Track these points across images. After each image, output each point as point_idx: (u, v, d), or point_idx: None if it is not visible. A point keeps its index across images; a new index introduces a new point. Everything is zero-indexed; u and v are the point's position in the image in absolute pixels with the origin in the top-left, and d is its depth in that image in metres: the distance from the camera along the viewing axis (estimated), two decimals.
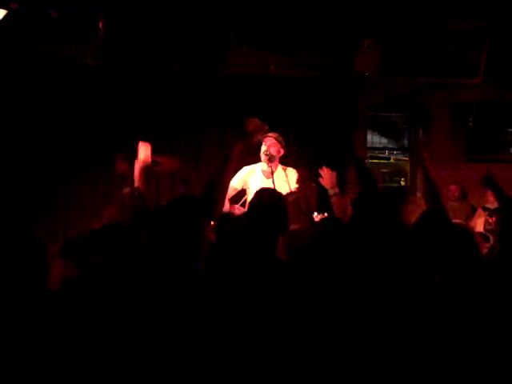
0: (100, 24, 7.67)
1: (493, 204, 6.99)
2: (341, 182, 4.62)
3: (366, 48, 8.21)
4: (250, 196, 5.89)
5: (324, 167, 4.21)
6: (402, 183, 9.64)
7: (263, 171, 6.15)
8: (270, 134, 6.10)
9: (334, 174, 4.15)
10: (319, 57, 8.29)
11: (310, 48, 8.25)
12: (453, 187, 8.08)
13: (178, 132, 8.36)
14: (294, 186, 5.82)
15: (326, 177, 4.14)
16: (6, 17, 6.97)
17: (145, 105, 8.14)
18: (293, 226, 4.11)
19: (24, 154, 7.76)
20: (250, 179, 6.11)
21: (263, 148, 6.06)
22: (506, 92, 8.92)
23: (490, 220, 6.24)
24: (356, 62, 8.31)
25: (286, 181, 5.91)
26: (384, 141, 9.56)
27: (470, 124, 9.20)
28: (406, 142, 9.55)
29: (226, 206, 5.85)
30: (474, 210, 7.69)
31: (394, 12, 8.01)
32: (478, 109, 9.16)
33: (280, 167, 6.12)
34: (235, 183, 6.02)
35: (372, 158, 9.47)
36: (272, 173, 5.89)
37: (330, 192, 4.10)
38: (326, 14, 7.91)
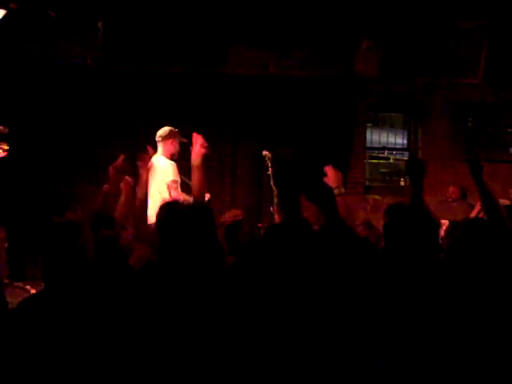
0: (99, 24, 7.68)
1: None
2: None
3: (366, 48, 8.23)
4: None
5: (330, 166, 4.13)
6: (402, 183, 9.64)
7: None
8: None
9: (340, 174, 4.07)
10: (319, 57, 8.29)
11: (309, 48, 8.25)
12: (451, 188, 8.08)
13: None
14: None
15: (332, 176, 4.03)
16: (5, 17, 6.96)
17: (144, 105, 8.14)
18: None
19: (23, 153, 7.75)
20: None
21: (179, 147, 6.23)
22: (504, 92, 8.92)
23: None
24: (355, 62, 8.33)
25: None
26: (383, 141, 9.56)
27: (469, 124, 9.20)
28: (405, 141, 9.56)
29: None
30: (473, 209, 7.67)
31: (394, 12, 8.02)
32: (477, 109, 9.16)
33: None
34: (178, 177, 6.19)
35: (371, 157, 9.48)
36: None
37: (336, 191, 3.94)
38: (326, 15, 7.92)
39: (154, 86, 8.13)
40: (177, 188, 6.09)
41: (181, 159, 6.18)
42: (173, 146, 6.21)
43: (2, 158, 6.16)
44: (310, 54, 8.26)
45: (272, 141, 7.86)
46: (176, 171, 6.16)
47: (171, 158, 6.21)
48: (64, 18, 7.47)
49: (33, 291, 6.62)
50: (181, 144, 6.21)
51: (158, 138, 6.25)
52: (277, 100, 8.36)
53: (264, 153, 6.31)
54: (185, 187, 6.20)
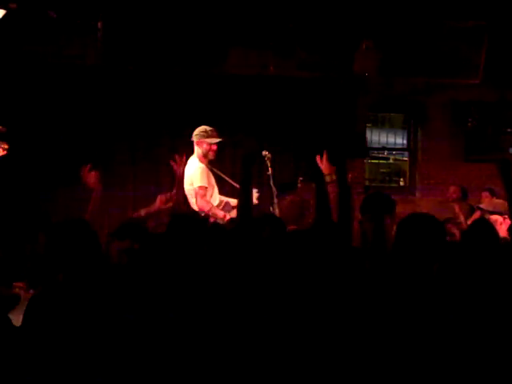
0: (99, 24, 7.67)
1: (488, 205, 6.97)
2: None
3: (365, 48, 8.22)
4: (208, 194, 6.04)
5: (324, 154, 4.14)
6: (401, 183, 9.65)
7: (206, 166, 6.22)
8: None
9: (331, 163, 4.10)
10: (318, 57, 8.28)
11: (309, 48, 8.24)
12: (452, 188, 8.09)
13: (178, 132, 8.35)
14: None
15: (325, 162, 4.04)
16: (5, 17, 6.95)
17: (144, 105, 8.14)
18: (291, 227, 4.14)
19: (23, 152, 7.74)
20: (208, 176, 6.14)
21: (215, 148, 6.12)
22: (504, 92, 8.93)
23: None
24: (355, 62, 8.31)
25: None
26: (383, 141, 9.57)
27: (469, 124, 9.21)
28: (405, 142, 9.57)
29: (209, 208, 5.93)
30: (473, 210, 7.68)
31: (393, 12, 8.02)
32: (477, 109, 9.17)
33: None
34: (205, 183, 6.05)
35: (371, 157, 9.48)
36: None
37: (327, 179, 3.97)
38: (326, 15, 7.91)
39: (154, 86, 8.12)
40: (204, 195, 5.92)
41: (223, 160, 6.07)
42: (204, 147, 6.07)
43: (2, 156, 6.14)
44: (310, 55, 8.25)
45: (272, 141, 7.87)
46: (204, 176, 6.01)
47: (205, 159, 6.08)
48: (64, 17, 7.45)
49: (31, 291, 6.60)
50: (218, 143, 6.08)
51: (192, 139, 6.16)
52: (277, 100, 8.36)
53: (264, 153, 6.31)
54: (230, 189, 6.07)
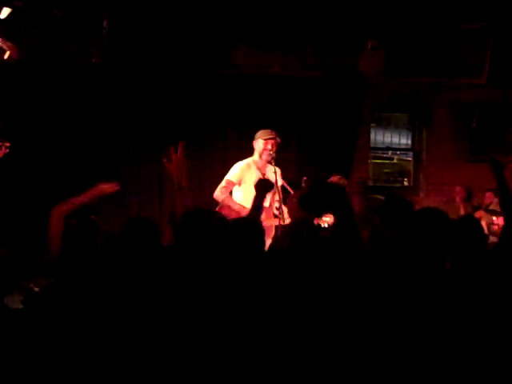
0: (104, 23, 7.67)
1: (496, 206, 6.96)
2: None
3: (370, 48, 8.22)
4: (244, 191, 6.07)
5: (334, 175, 4.33)
6: (406, 183, 9.65)
7: (259, 168, 6.25)
8: (273, 135, 6.20)
9: (345, 182, 4.24)
10: (323, 57, 8.29)
11: (314, 48, 8.25)
12: (457, 188, 8.09)
13: (181, 131, 8.34)
14: (280, 180, 5.96)
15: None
16: (10, 14, 6.96)
17: (148, 104, 8.14)
18: None
19: (28, 153, 7.75)
20: (246, 175, 6.19)
21: (268, 147, 6.13)
22: (509, 92, 8.92)
23: (496, 220, 6.20)
24: (360, 62, 8.31)
25: (274, 175, 5.99)
26: (387, 141, 9.56)
27: (474, 124, 9.19)
28: (409, 142, 9.56)
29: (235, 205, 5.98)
30: (475, 210, 7.67)
31: (399, 13, 8.01)
32: (482, 109, 9.15)
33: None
34: (234, 179, 6.15)
35: (375, 158, 9.48)
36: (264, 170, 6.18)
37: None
38: (331, 15, 7.91)
39: (159, 85, 8.12)
40: (224, 187, 6.07)
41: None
42: (256, 146, 6.21)
43: (4, 155, 6.15)
44: (315, 55, 8.25)
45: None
46: (238, 172, 6.13)
47: (260, 158, 6.19)
48: (69, 16, 7.46)
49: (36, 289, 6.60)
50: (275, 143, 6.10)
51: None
52: (281, 100, 8.36)
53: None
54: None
